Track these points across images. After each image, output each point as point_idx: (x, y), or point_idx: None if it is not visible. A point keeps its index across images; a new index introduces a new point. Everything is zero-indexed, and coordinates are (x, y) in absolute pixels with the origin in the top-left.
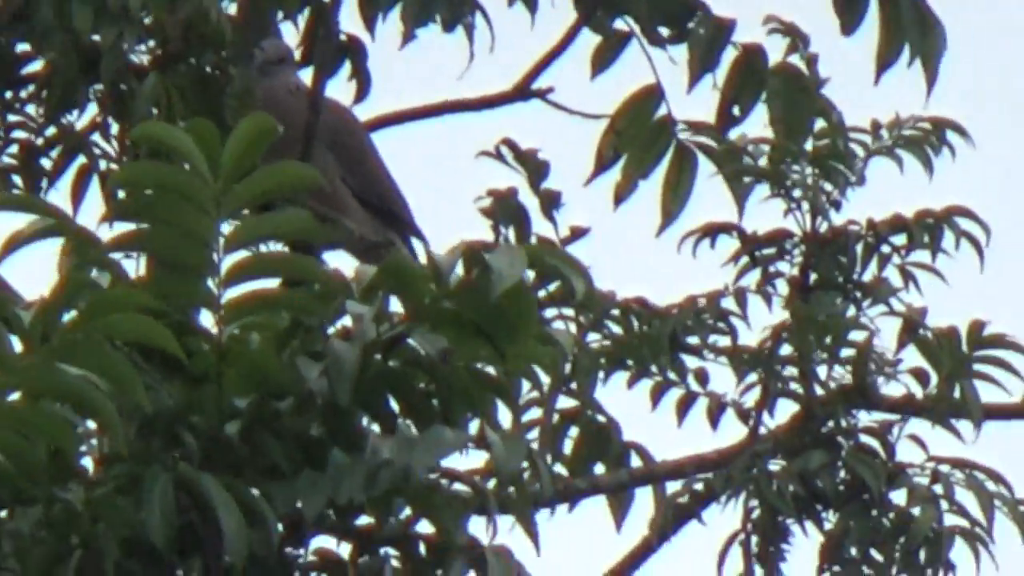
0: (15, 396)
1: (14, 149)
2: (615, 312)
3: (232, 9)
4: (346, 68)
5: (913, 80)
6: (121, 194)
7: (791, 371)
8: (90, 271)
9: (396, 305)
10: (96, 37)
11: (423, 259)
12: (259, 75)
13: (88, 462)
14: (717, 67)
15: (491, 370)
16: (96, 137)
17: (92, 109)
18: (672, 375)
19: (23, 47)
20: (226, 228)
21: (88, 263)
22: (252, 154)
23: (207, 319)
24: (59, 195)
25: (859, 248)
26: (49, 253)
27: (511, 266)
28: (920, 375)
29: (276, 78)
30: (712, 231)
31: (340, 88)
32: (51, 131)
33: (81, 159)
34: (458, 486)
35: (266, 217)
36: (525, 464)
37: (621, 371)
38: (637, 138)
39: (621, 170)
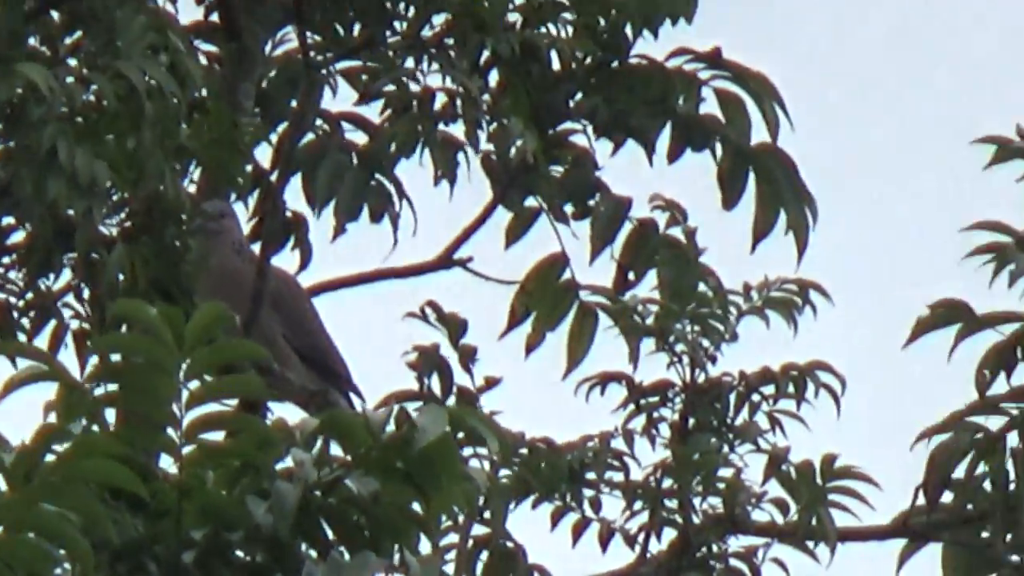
0: None
1: None
2: (523, 450)
3: (192, 188)
4: (291, 241)
5: (785, 244)
6: (94, 359)
7: (672, 503)
8: (75, 418)
9: (335, 448)
10: (70, 211)
11: (359, 410)
12: (205, 234)
13: None
14: (615, 241)
15: (415, 506)
16: (70, 299)
17: (66, 275)
18: (570, 502)
19: (7, 220)
20: (186, 391)
21: (75, 410)
22: (210, 331)
23: (169, 460)
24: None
25: (732, 397)
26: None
27: (434, 424)
28: (782, 505)
29: (220, 236)
30: (604, 380)
31: (285, 257)
32: (29, 295)
33: (54, 322)
34: None
35: (224, 380)
36: None
37: (527, 500)
38: (545, 298)
39: (531, 325)
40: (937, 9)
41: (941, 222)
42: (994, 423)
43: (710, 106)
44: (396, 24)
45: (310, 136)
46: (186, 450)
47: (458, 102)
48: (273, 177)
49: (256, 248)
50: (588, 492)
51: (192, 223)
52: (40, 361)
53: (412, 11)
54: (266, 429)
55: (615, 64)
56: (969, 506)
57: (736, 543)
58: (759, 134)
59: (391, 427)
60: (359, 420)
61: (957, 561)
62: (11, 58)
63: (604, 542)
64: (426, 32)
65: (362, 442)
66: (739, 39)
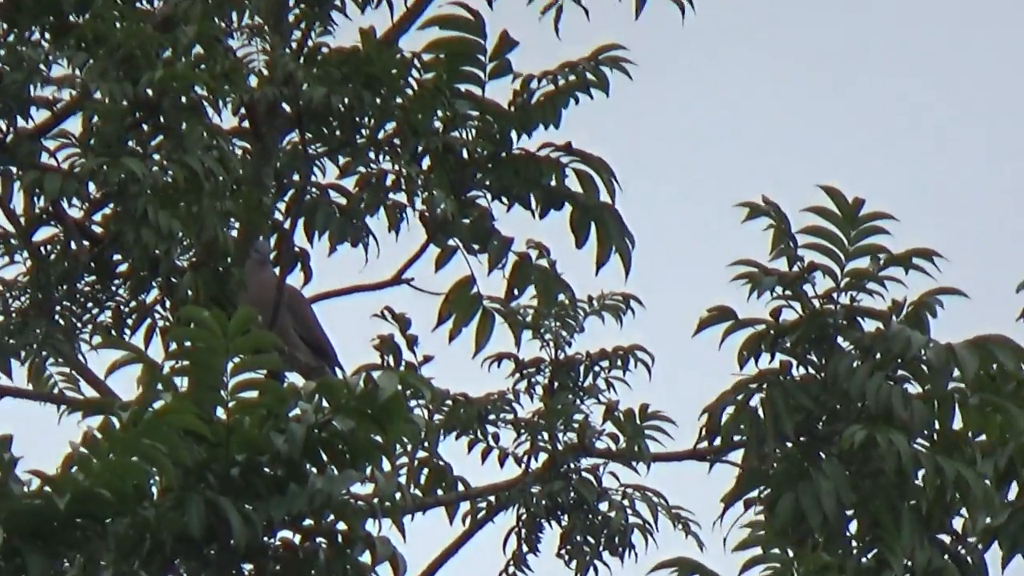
0: (111, 454)
1: (109, 315)
2: (448, 401)
3: (234, 233)
4: (298, 266)
5: (615, 267)
6: (173, 345)
7: (544, 436)
8: (154, 387)
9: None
10: (156, 251)
11: (341, 376)
12: (253, 265)
13: (156, 492)
14: (504, 266)
15: (378, 438)
16: (157, 307)
17: (155, 292)
18: (480, 436)
19: (116, 256)
20: (231, 364)
21: (156, 382)
22: (244, 326)
23: (221, 411)
24: (135, 341)
25: (582, 368)
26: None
27: (389, 383)
28: (614, 437)
29: (261, 270)
30: (499, 357)
31: (294, 277)
32: (132, 304)
33: (148, 321)
34: (360, 503)
35: (254, 358)
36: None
37: (451, 434)
38: (460, 305)
39: (452, 322)
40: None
41: (720, 256)
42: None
43: (571, 180)
44: (361, 131)
45: (308, 198)
46: (231, 404)
47: (402, 179)
48: (286, 225)
49: (276, 271)
50: (491, 429)
51: (236, 258)
52: (133, 351)
53: (371, 122)
54: (282, 390)
55: (504, 154)
56: (737, 438)
57: (586, 462)
58: (603, 196)
59: (362, 387)
60: (341, 382)
61: (744, 475)
62: (118, 154)
63: (501, 461)
64: (380, 135)
65: (343, 396)
66: (584, 133)
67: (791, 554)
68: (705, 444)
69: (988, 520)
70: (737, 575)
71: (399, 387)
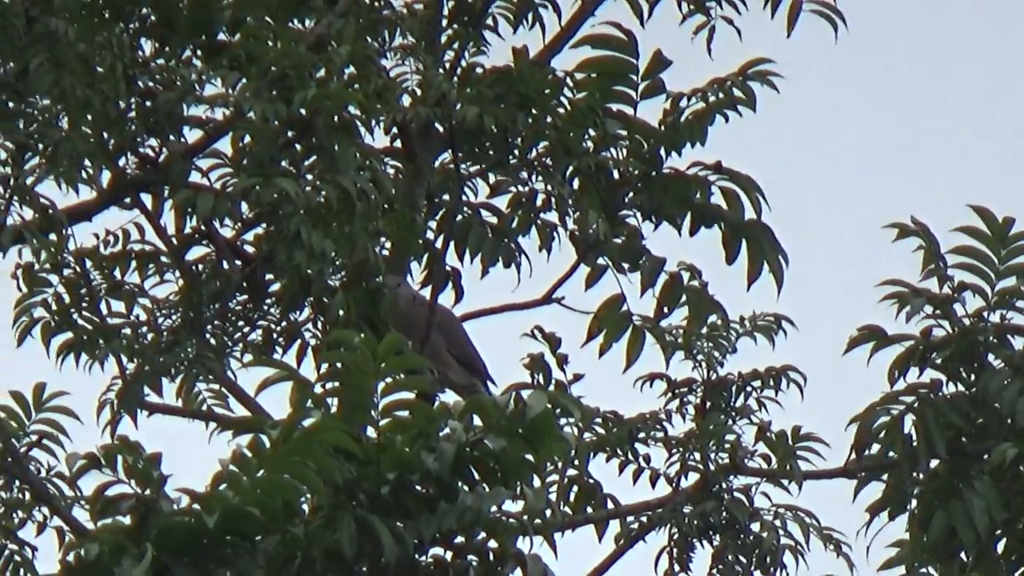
0: (261, 472)
1: (260, 333)
2: (599, 420)
3: (386, 253)
4: (449, 285)
5: (767, 286)
6: (324, 366)
7: (696, 456)
8: (304, 405)
9: (477, 420)
10: (309, 271)
11: (491, 395)
12: (392, 292)
13: (306, 509)
14: (655, 286)
15: (529, 456)
16: (308, 326)
17: (307, 311)
18: (630, 456)
19: (268, 275)
20: (381, 384)
21: (305, 399)
22: (393, 349)
23: (371, 431)
24: (286, 359)
25: (733, 388)
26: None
27: (538, 402)
28: (766, 457)
29: (401, 293)
30: (651, 377)
31: (446, 296)
32: (283, 323)
33: (299, 340)
34: (511, 521)
35: (403, 379)
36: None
37: (601, 453)
38: (610, 323)
39: (602, 339)
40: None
41: (865, 278)
42: (896, 407)
43: (717, 198)
44: (514, 150)
45: (460, 218)
46: (382, 423)
47: (553, 199)
48: (438, 244)
49: (427, 291)
50: (642, 449)
51: (383, 280)
52: (284, 369)
53: (523, 142)
54: (431, 409)
55: (654, 173)
56: (891, 453)
57: (737, 482)
58: (749, 213)
59: (512, 406)
60: (491, 401)
61: (891, 490)
62: (271, 174)
63: (653, 482)
64: (532, 155)
65: (493, 415)
66: (733, 152)
67: (938, 574)
68: (854, 456)
69: None
70: None
71: (548, 406)
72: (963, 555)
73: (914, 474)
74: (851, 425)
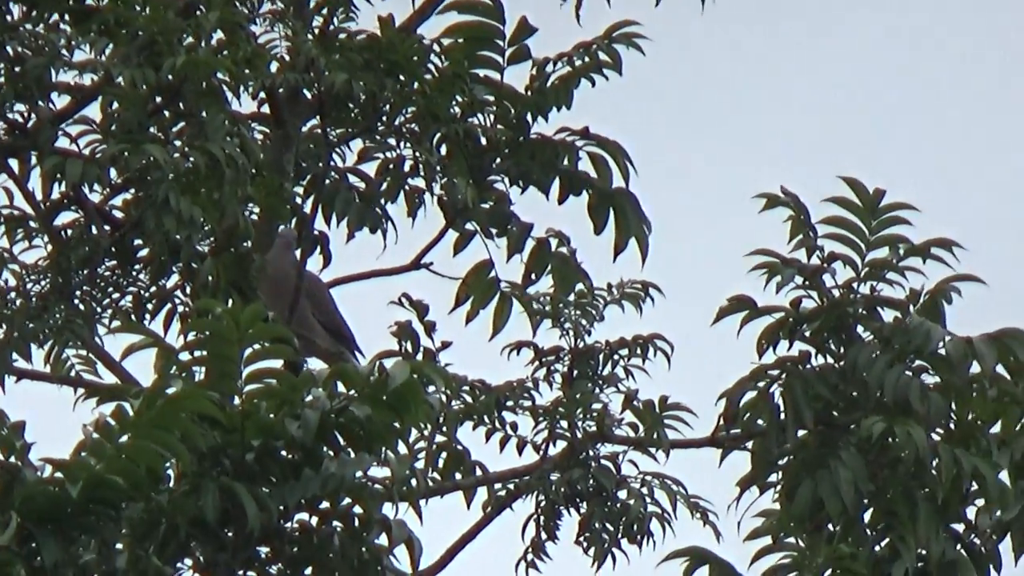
0: (125, 439)
1: (130, 299)
2: (466, 387)
3: (255, 218)
4: (317, 250)
5: (632, 255)
6: (190, 335)
7: (563, 424)
8: (169, 372)
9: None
10: (177, 236)
11: (360, 364)
12: (278, 250)
13: (171, 476)
14: (523, 251)
15: (395, 423)
16: (178, 292)
17: (176, 277)
18: (498, 424)
19: (137, 241)
20: (247, 352)
21: (171, 367)
22: (257, 318)
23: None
24: (155, 326)
25: (601, 357)
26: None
27: (401, 372)
28: (633, 426)
29: (284, 255)
30: (518, 345)
31: (313, 261)
32: (153, 289)
33: (168, 306)
34: (377, 487)
35: (266, 347)
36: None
37: (469, 421)
38: (478, 289)
39: (469, 306)
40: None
41: (739, 246)
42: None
43: (585, 164)
44: (382, 117)
45: (328, 183)
46: (247, 390)
47: (421, 165)
48: (306, 210)
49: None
50: (509, 417)
51: (256, 243)
52: (149, 336)
53: (391, 108)
54: (294, 378)
55: (521, 139)
56: (757, 423)
57: (605, 450)
58: (617, 180)
59: (376, 375)
60: (355, 369)
61: (757, 460)
62: (140, 140)
63: (520, 449)
64: (400, 121)
65: (358, 383)
66: (601, 117)
67: (804, 544)
68: (724, 431)
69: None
70: (749, 564)
71: (411, 375)
72: (829, 527)
73: (781, 445)
74: (721, 400)
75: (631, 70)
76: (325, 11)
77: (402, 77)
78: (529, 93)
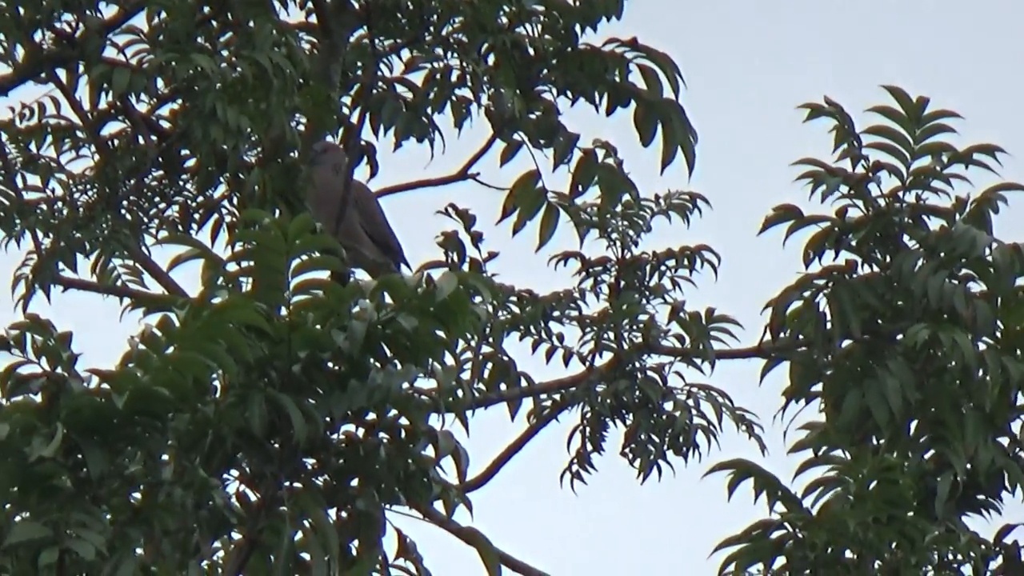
0: (171, 350)
1: (176, 210)
2: (513, 298)
3: (301, 129)
4: (364, 160)
5: (680, 167)
6: (237, 246)
7: (609, 335)
8: (215, 283)
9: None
10: (224, 147)
11: (407, 275)
12: (314, 162)
13: (217, 387)
14: (569, 161)
15: (441, 333)
16: (224, 203)
17: (223, 187)
18: (544, 335)
19: (184, 151)
20: (294, 263)
21: (218, 278)
22: (304, 228)
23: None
24: (202, 236)
25: (648, 268)
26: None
27: (448, 283)
28: (680, 337)
29: (324, 163)
30: (565, 256)
31: (360, 171)
32: (200, 199)
33: (215, 216)
34: (423, 398)
35: (313, 258)
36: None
37: (515, 332)
38: (525, 199)
39: (516, 217)
40: None
41: (781, 156)
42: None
43: (635, 76)
44: (429, 27)
45: (375, 93)
46: (293, 301)
47: (468, 75)
48: (353, 119)
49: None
50: (556, 327)
51: (303, 155)
52: (195, 247)
53: (439, 18)
54: (341, 289)
55: (568, 49)
56: (800, 336)
57: (651, 361)
58: (666, 91)
59: (423, 286)
60: (402, 280)
61: (798, 371)
62: (187, 50)
63: (566, 360)
64: (447, 31)
65: (405, 294)
66: (650, 28)
67: (849, 455)
68: (770, 339)
69: None
70: (793, 476)
71: (458, 286)
72: (874, 439)
73: (827, 355)
74: (766, 309)
75: None
76: None
77: None
78: (577, 3)
